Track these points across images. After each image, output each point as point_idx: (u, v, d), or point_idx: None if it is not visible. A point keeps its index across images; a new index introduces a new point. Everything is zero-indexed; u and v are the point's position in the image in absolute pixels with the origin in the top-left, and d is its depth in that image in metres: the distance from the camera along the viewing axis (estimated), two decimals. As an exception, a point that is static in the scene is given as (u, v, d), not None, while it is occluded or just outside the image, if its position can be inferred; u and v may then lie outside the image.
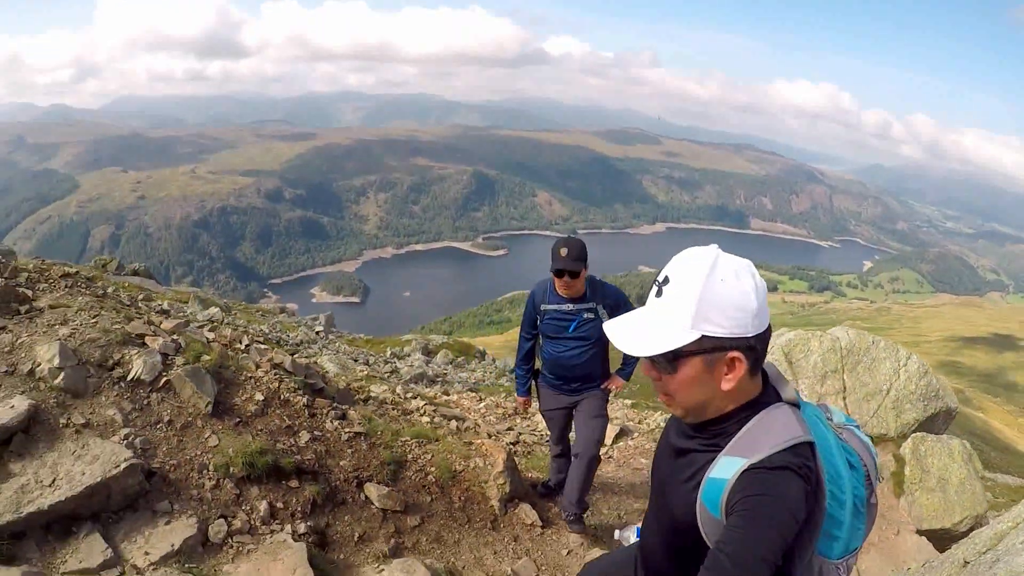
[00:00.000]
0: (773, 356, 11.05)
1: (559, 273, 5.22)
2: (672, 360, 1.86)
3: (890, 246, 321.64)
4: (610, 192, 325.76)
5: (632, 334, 1.87)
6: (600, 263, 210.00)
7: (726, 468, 1.85)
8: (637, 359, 4.88)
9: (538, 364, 6.09)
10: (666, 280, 1.83)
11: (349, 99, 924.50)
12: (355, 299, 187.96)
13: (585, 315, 5.39)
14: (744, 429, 1.91)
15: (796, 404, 2.04)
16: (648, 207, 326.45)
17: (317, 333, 21.09)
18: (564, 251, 5.14)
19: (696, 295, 1.80)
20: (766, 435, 1.87)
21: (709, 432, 1.98)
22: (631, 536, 3.03)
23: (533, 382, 6.16)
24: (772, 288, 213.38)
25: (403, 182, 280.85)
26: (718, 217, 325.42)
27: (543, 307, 5.53)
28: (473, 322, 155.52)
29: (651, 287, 1.89)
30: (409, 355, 20.46)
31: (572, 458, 5.97)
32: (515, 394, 6.59)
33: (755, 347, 1.86)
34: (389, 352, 20.42)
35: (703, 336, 1.82)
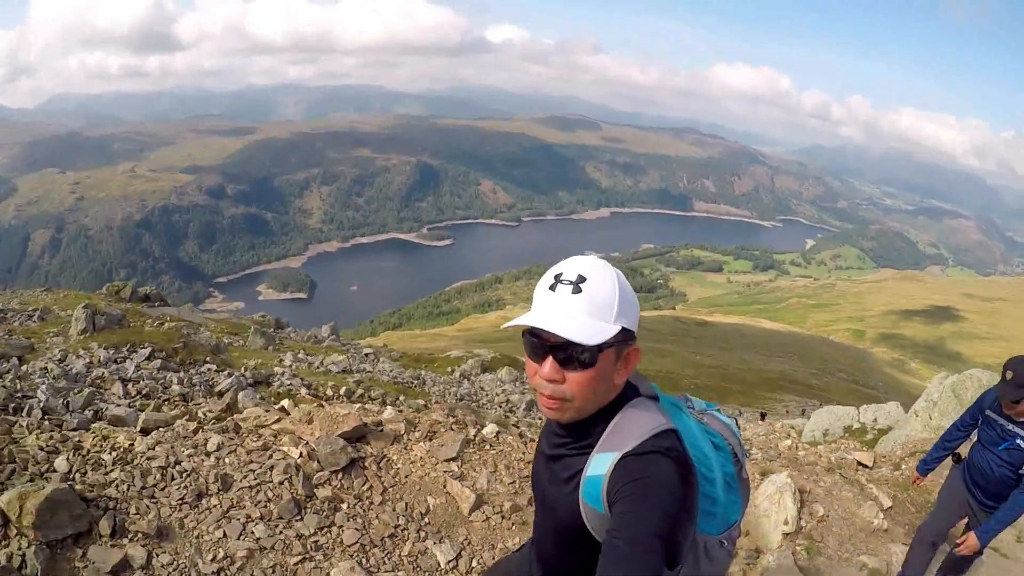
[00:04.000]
0: (943, 395, 12.01)
1: (1002, 398, 4.96)
2: (596, 353, 1.89)
3: (832, 224, 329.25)
4: (554, 179, 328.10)
5: (579, 326, 1.84)
6: (546, 250, 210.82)
7: (600, 464, 1.93)
8: (1010, 519, 5.04)
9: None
10: (581, 278, 1.87)
11: (289, 92, 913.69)
12: (302, 295, 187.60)
13: (1018, 441, 5.05)
14: (611, 426, 1.99)
15: (655, 397, 2.15)
16: (592, 192, 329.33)
17: (366, 355, 21.22)
18: (1010, 375, 4.84)
19: (616, 291, 1.88)
20: (631, 427, 1.96)
21: (578, 434, 2.05)
22: None
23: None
24: (717, 269, 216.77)
25: (346, 175, 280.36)
26: (662, 201, 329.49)
27: (987, 412, 5.32)
28: (423, 313, 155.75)
29: (551, 285, 1.91)
30: (477, 375, 20.51)
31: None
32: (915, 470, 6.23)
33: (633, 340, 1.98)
34: (457, 373, 20.39)
35: (621, 328, 1.89)
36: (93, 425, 6.32)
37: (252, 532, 4.66)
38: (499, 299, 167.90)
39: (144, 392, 9.62)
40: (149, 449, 5.21)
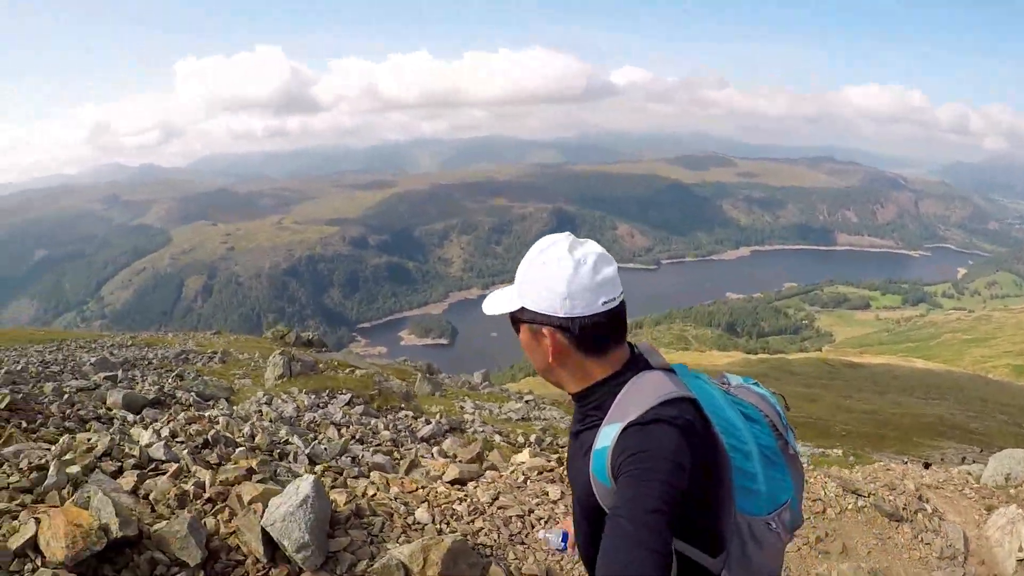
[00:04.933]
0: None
1: None
2: (513, 324, 2.06)
3: (983, 249, 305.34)
4: (690, 219, 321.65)
5: (494, 299, 2.07)
6: (687, 292, 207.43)
7: (606, 436, 1.91)
8: None
9: None
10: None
11: (425, 146, 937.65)
12: (444, 341, 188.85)
13: None
14: (617, 398, 1.98)
15: (669, 369, 2.12)
16: (730, 231, 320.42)
17: (527, 403, 21.24)
18: None
19: (521, 273, 1.99)
20: (636, 397, 1.94)
21: (587, 407, 2.08)
22: (553, 539, 2.87)
23: None
24: (864, 305, 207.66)
25: (484, 223, 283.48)
26: (803, 235, 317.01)
27: None
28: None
29: None
30: None
31: None
32: None
33: (568, 328, 1.95)
34: None
35: (523, 308, 1.99)
36: (374, 474, 6.41)
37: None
38: (655, 342, 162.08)
39: (357, 437, 9.89)
40: (494, 500, 5.69)
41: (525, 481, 6.29)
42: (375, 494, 5.28)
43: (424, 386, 18.59)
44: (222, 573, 3.95)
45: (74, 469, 4.61)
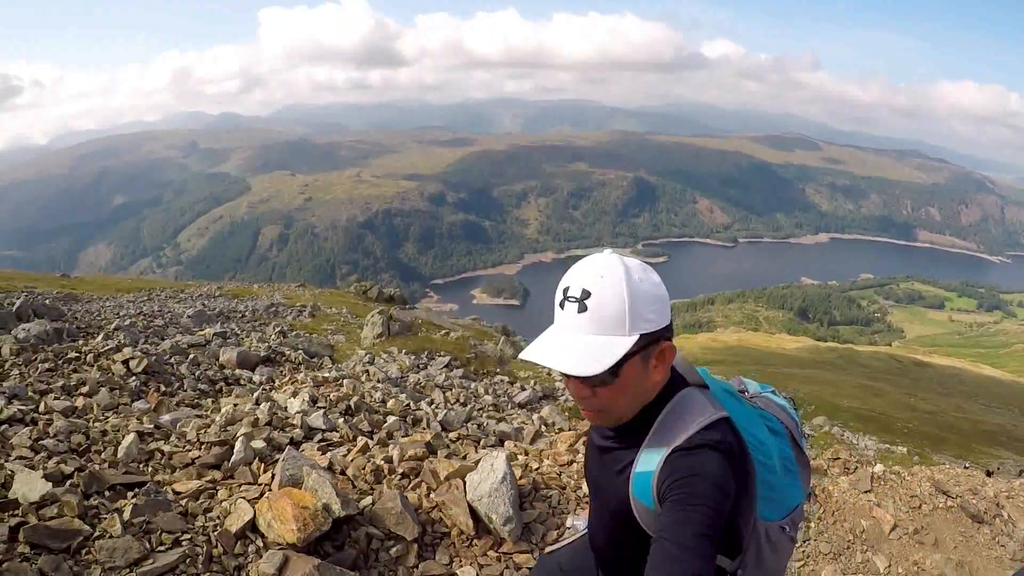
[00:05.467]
0: None
1: None
2: (616, 370, 1.85)
3: None
4: (771, 200, 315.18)
5: (578, 355, 1.81)
6: (762, 274, 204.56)
7: (649, 460, 1.92)
8: None
9: None
10: (586, 294, 1.81)
11: (507, 105, 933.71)
12: (515, 302, 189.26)
13: None
14: (658, 421, 1.97)
15: (704, 385, 2.12)
16: (811, 216, 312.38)
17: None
18: None
19: (627, 299, 1.81)
20: (680, 421, 1.94)
21: (625, 430, 2.04)
22: (581, 524, 2.94)
23: None
24: (939, 305, 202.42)
25: (563, 188, 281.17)
26: (883, 228, 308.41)
27: None
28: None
29: (560, 301, 1.88)
30: None
31: None
32: None
33: (673, 332, 1.95)
34: None
35: (640, 335, 1.84)
36: (508, 444, 7.23)
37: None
38: (710, 320, 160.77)
39: (460, 400, 9.98)
40: None
41: None
42: (538, 467, 5.98)
43: (507, 349, 18.61)
44: (431, 545, 4.54)
45: (259, 444, 5.22)
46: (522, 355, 1.88)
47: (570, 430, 8.11)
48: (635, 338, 1.82)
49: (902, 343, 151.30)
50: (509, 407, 10.55)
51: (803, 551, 6.26)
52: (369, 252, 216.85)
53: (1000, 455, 42.19)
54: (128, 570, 3.44)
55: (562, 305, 1.85)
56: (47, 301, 15.84)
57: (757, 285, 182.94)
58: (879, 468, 7.66)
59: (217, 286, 30.50)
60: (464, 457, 5.83)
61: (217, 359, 10.50)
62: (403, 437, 6.44)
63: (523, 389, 12.07)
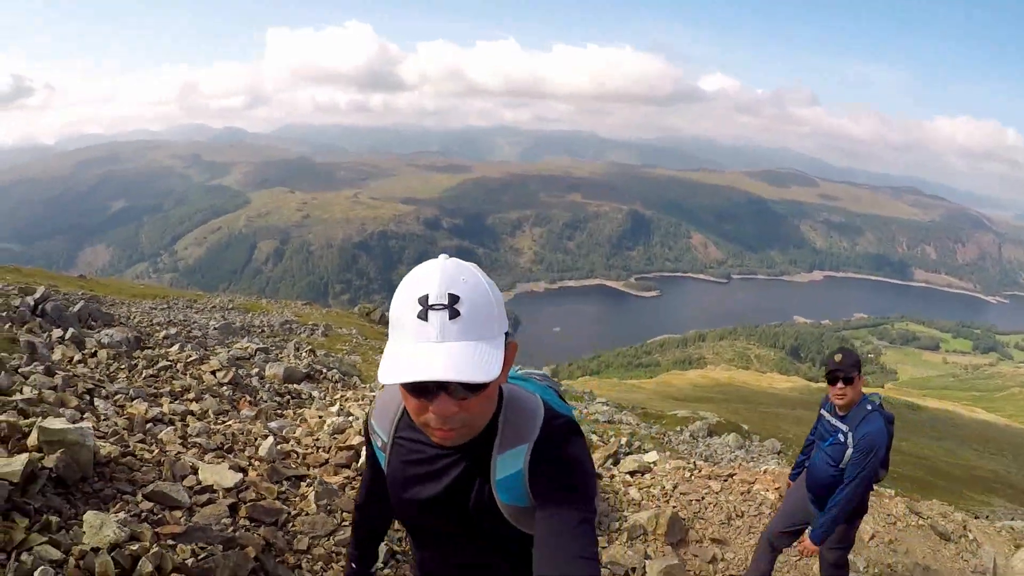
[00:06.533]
0: None
1: (832, 378, 5.04)
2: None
3: None
4: (766, 236, 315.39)
5: (466, 362, 1.62)
6: (754, 311, 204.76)
7: (510, 463, 1.88)
8: (838, 514, 5.08)
9: None
10: (454, 299, 1.65)
11: (505, 134, 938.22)
12: (505, 330, 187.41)
13: (839, 436, 5.14)
14: (502, 421, 1.92)
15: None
16: (805, 253, 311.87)
17: (607, 406, 21.74)
18: (839, 356, 5.03)
19: (493, 302, 1.73)
20: (523, 414, 1.92)
21: (466, 446, 1.88)
22: None
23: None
24: (933, 347, 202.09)
25: (558, 218, 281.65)
26: (878, 266, 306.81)
27: (822, 411, 5.47)
28: (622, 362, 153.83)
29: (420, 312, 1.64)
30: (704, 436, 20.35)
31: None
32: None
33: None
34: (687, 433, 19.88)
35: (504, 335, 1.77)
36: None
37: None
38: (701, 357, 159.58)
39: None
40: (675, 487, 8.13)
41: (691, 476, 8.51)
42: None
43: None
44: None
45: None
46: (396, 376, 1.63)
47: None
48: (503, 339, 1.74)
49: (895, 385, 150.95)
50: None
51: (796, 549, 6.59)
52: (363, 272, 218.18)
53: (991, 503, 41.90)
54: (327, 538, 4.66)
55: (424, 316, 1.64)
56: (77, 306, 16.25)
57: (750, 322, 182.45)
58: None
59: (229, 299, 31.16)
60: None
61: (263, 374, 11.18)
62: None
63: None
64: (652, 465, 8.99)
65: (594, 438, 12.52)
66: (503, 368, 1.73)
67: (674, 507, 7.32)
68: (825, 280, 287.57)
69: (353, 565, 2.62)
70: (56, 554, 3.14)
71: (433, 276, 1.67)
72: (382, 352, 14.74)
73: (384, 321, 31.66)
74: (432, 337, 1.63)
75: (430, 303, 1.64)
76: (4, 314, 11.91)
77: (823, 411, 5.41)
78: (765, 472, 9.06)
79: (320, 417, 7.87)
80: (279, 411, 8.43)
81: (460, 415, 1.73)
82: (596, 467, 7.55)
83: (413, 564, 2.44)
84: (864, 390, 5.27)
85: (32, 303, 13.75)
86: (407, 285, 1.70)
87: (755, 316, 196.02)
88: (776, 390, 75.82)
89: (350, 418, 7.72)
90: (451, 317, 1.64)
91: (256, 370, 11.26)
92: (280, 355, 14.18)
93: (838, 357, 4.98)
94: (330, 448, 6.51)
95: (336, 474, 5.88)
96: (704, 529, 7.10)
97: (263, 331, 19.64)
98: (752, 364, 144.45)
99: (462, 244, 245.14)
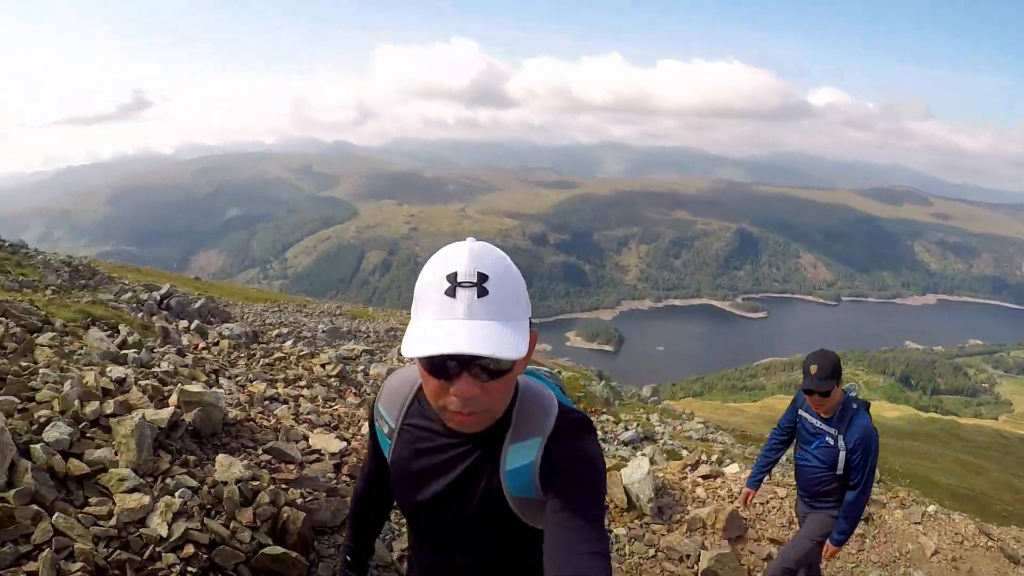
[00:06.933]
0: None
1: (808, 393, 5.00)
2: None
3: None
4: (877, 257, 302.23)
5: (495, 339, 1.58)
6: (864, 336, 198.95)
7: (523, 453, 1.87)
8: (856, 517, 5.10)
9: None
10: (483, 277, 1.62)
11: (611, 150, 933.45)
12: (609, 347, 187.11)
13: (827, 439, 5.11)
14: (516, 410, 1.90)
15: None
16: (918, 275, 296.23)
17: (703, 424, 21.79)
18: (814, 368, 4.92)
19: (519, 284, 1.71)
20: (538, 407, 1.92)
21: (477, 436, 1.88)
22: None
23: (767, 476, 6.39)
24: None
25: (664, 235, 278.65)
26: (995, 289, 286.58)
27: (801, 412, 5.39)
28: (725, 385, 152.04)
29: (448, 289, 1.60)
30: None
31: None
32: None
33: None
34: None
35: (528, 319, 1.75)
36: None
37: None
38: None
39: None
40: (740, 491, 8.13)
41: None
42: (663, 476, 8.24)
43: (609, 392, 19.75)
44: None
45: None
46: (419, 349, 1.58)
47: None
48: (527, 323, 1.72)
49: (1010, 417, 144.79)
50: (616, 443, 11.89)
51: (857, 558, 7.41)
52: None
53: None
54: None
55: (452, 293, 1.61)
56: (198, 303, 18.13)
57: (858, 347, 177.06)
58: (932, 508, 8.84)
59: (337, 305, 32.69)
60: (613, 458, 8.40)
61: (368, 374, 12.31)
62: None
63: (627, 429, 13.33)
64: (724, 471, 9.45)
65: (684, 452, 13.04)
66: (527, 355, 1.73)
67: (736, 506, 7.52)
68: (939, 303, 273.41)
69: (348, 558, 2.57)
70: (192, 482, 4.22)
71: (462, 255, 1.65)
72: None
73: None
74: (460, 314, 1.60)
75: (459, 280, 1.61)
76: (135, 305, 14.70)
77: (803, 411, 5.36)
78: None
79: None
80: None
81: (481, 398, 1.69)
82: (675, 475, 8.68)
83: (411, 560, 2.41)
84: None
85: (158, 298, 16.96)
86: (434, 263, 1.68)
87: (864, 341, 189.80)
88: (883, 419, 74.11)
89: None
90: (479, 295, 1.61)
91: (362, 368, 12.59)
92: (384, 358, 15.31)
93: (813, 369, 4.90)
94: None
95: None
96: (763, 530, 7.49)
97: (369, 336, 20.98)
98: (861, 392, 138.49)
99: (568, 260, 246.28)
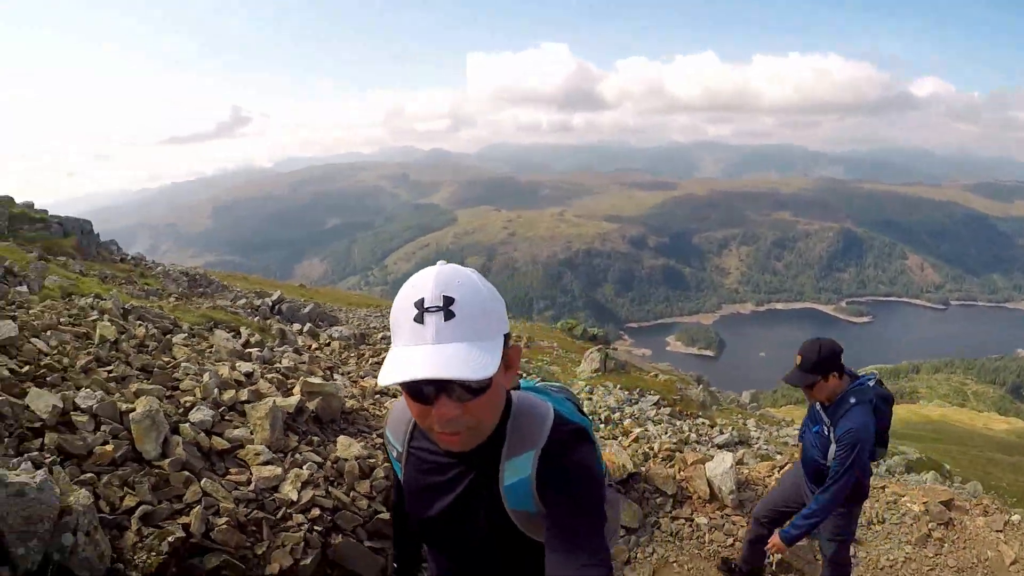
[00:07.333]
0: None
1: (807, 385, 4.82)
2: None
3: None
4: (988, 257, 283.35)
5: (462, 361, 1.63)
6: (974, 342, 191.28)
7: (518, 468, 1.90)
8: (812, 522, 4.89)
9: None
10: (449, 300, 1.68)
11: (709, 149, 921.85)
12: (709, 352, 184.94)
13: (823, 428, 4.92)
14: (510, 426, 1.94)
15: (515, 386, 2.14)
16: None
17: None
18: (797, 359, 4.78)
19: (489, 303, 1.76)
20: (532, 420, 1.95)
21: (473, 453, 1.89)
22: None
23: None
24: None
25: (766, 237, 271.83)
26: None
27: None
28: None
29: (416, 316, 1.68)
30: (902, 473, 19.76)
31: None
32: None
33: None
34: (883, 468, 19.33)
35: (503, 336, 1.79)
36: None
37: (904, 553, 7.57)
38: (913, 391, 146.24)
39: (668, 434, 12.11)
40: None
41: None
42: (748, 473, 8.41)
43: (706, 396, 19.71)
44: (680, 501, 7.36)
45: None
46: (391, 377, 1.63)
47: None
48: (501, 339, 1.76)
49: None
50: (710, 446, 12.23)
51: (934, 561, 7.42)
52: (567, 290, 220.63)
53: None
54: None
55: (420, 319, 1.67)
56: (307, 308, 19.13)
57: (968, 355, 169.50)
58: (1016, 517, 8.75)
59: None
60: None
61: None
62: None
63: (721, 432, 13.68)
64: None
65: (778, 457, 12.68)
66: (507, 372, 1.80)
67: None
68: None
69: (395, 565, 2.72)
70: (317, 458, 5.04)
71: (428, 281, 1.71)
72: (580, 364, 15.64)
73: (586, 336, 32.82)
74: (428, 339, 1.64)
75: (425, 306, 1.66)
76: (250, 310, 16.72)
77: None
78: (917, 487, 9.29)
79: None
80: (484, 400, 11.03)
81: (463, 418, 1.73)
82: (760, 473, 8.61)
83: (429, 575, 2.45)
84: (861, 371, 5.28)
85: (271, 303, 19.12)
86: (404, 291, 1.74)
87: (974, 348, 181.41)
88: (991, 432, 70.89)
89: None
90: (446, 318, 1.65)
91: None
92: None
93: (796, 359, 4.78)
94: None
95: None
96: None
97: None
98: (969, 401, 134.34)
99: (667, 263, 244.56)
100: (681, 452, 8.13)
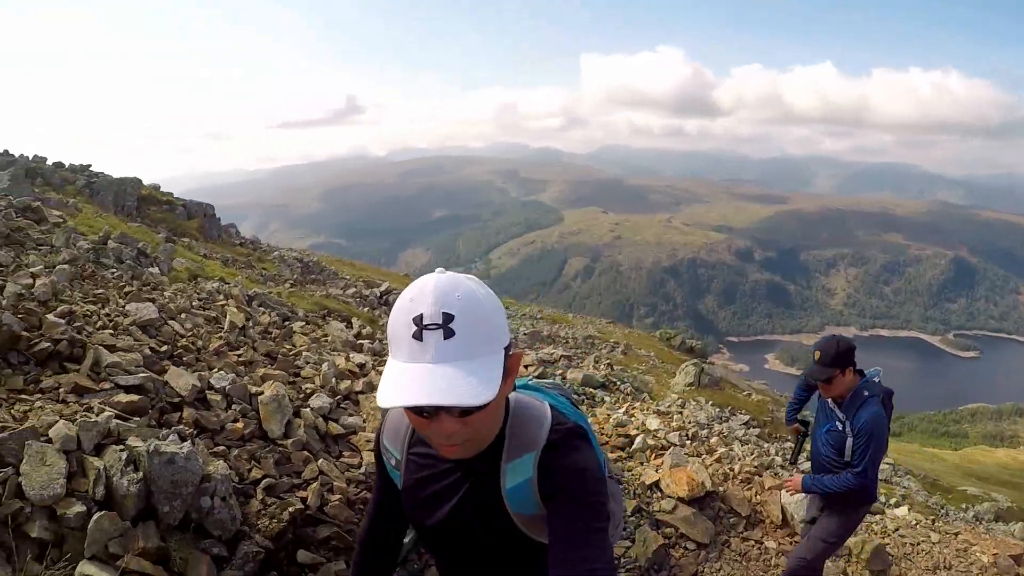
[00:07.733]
0: None
1: (825, 380, 4.94)
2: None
3: None
4: None
5: (465, 384, 1.58)
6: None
7: (519, 471, 1.90)
8: (834, 489, 5.08)
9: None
10: (448, 318, 1.61)
11: (823, 164, 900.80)
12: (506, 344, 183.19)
13: (836, 424, 5.07)
14: (508, 430, 1.93)
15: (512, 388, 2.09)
16: None
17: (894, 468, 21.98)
18: (817, 355, 4.92)
19: (490, 316, 1.69)
20: (529, 423, 1.94)
21: (473, 458, 1.88)
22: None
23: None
24: None
25: (876, 259, 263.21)
26: None
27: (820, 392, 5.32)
28: (925, 428, 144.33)
29: (414, 333, 1.61)
30: (990, 520, 19.15)
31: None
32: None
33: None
34: (971, 514, 18.35)
35: (504, 349, 1.73)
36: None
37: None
38: (1015, 435, 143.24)
39: (754, 455, 11.34)
40: (917, 522, 9.04)
41: (915, 524, 8.93)
42: None
43: None
44: (753, 524, 7.52)
45: (651, 441, 9.03)
46: (391, 400, 1.57)
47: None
48: (501, 355, 1.71)
49: None
50: (794, 471, 12.76)
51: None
52: (669, 298, 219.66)
53: None
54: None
55: (419, 336, 1.61)
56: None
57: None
58: None
59: (538, 309, 34.80)
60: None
61: (565, 376, 13.50)
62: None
63: (808, 460, 13.87)
64: (889, 511, 9.72)
65: None
66: (507, 380, 1.74)
67: (885, 542, 7.76)
68: None
69: None
70: None
71: (427, 296, 1.64)
72: (675, 376, 17.49)
73: (684, 348, 33.52)
74: (427, 358, 1.61)
75: (424, 323, 1.61)
76: (359, 299, 18.30)
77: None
78: (991, 537, 8.99)
79: (608, 415, 10.15)
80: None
81: (463, 431, 1.72)
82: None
83: None
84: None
85: (378, 294, 20.71)
86: (402, 303, 1.68)
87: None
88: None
89: (631, 417, 10.12)
90: (446, 337, 1.61)
91: (559, 372, 13.75)
92: (580, 364, 16.42)
93: (816, 355, 4.93)
94: (611, 435, 8.98)
95: (612, 452, 8.44)
96: (908, 569, 7.54)
97: (567, 342, 22.38)
98: None
99: (773, 278, 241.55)
100: (760, 476, 8.34)
